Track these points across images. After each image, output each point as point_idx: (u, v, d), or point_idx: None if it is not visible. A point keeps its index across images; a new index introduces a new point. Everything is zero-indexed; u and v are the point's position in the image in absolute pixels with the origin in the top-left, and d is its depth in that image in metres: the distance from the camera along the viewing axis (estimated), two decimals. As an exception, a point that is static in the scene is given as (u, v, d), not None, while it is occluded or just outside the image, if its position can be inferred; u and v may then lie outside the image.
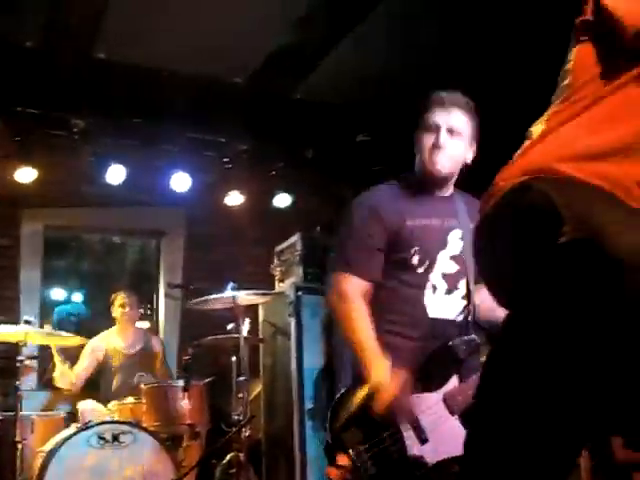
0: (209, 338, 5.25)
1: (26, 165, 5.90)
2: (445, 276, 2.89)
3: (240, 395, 5.02)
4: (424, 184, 2.99)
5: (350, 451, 2.67)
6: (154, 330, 6.91)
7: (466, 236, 2.92)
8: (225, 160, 6.48)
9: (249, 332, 5.27)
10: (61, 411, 5.20)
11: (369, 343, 2.73)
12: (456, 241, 2.93)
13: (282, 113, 6.12)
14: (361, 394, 2.72)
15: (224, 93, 5.83)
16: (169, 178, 6.35)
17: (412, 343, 2.83)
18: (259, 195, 6.82)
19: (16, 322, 5.12)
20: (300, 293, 5.35)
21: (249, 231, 7.21)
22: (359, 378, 2.76)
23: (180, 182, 6.35)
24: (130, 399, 4.92)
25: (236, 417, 4.92)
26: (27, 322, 4.59)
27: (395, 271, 2.88)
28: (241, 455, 4.87)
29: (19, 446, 4.33)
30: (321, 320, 5.28)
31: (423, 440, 2.65)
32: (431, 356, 2.79)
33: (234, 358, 5.33)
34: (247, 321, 5.17)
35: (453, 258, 2.91)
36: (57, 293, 8.45)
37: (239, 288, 4.97)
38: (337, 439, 2.74)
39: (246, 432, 4.89)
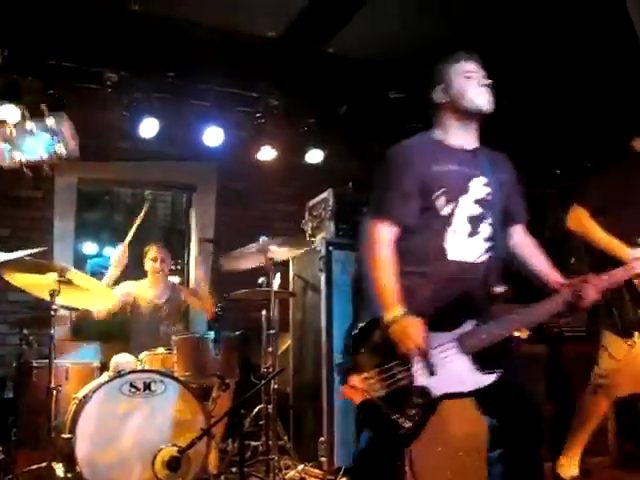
0: (240, 292, 5.30)
1: (60, 118, 5.92)
2: (469, 219, 2.97)
3: (270, 348, 5.08)
4: (462, 120, 3.06)
5: (364, 373, 2.83)
6: (184, 284, 6.96)
7: (492, 184, 3.03)
8: (258, 115, 6.48)
9: (280, 287, 5.30)
10: (94, 361, 5.28)
11: (389, 286, 2.84)
12: (480, 187, 3.01)
13: (315, 69, 6.10)
14: (378, 328, 2.86)
15: (257, 48, 5.79)
16: (202, 133, 6.37)
17: (432, 285, 2.92)
18: (291, 151, 6.82)
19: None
20: (331, 248, 5.35)
21: (280, 186, 7.24)
22: (376, 314, 2.88)
23: (212, 137, 6.37)
24: (161, 349, 4.97)
25: (265, 370, 4.99)
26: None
27: (421, 216, 2.97)
28: (269, 407, 4.94)
29: (54, 392, 4.41)
30: (351, 275, 5.30)
31: (431, 373, 2.80)
32: (451, 299, 2.90)
33: (264, 312, 5.39)
34: (278, 276, 5.21)
35: (477, 202, 3.00)
36: (89, 247, 8.55)
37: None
38: (353, 363, 2.90)
39: (275, 385, 4.96)
